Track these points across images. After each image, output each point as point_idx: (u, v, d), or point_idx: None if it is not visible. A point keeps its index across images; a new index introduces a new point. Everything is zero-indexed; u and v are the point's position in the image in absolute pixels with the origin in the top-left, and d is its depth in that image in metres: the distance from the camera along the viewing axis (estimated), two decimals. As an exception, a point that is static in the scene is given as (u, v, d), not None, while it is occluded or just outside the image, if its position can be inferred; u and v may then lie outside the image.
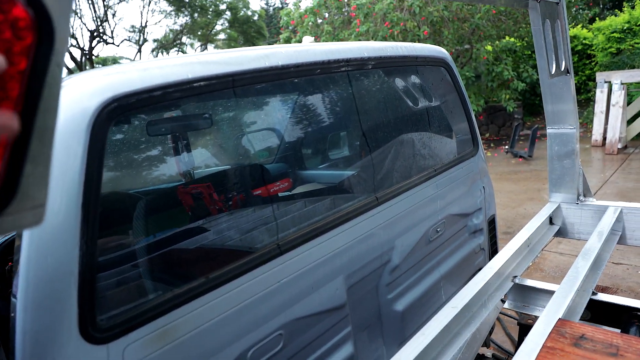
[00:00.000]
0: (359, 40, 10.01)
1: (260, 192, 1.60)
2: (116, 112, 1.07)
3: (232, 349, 1.24)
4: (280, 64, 1.43)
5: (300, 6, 10.90)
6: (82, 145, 0.99)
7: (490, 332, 2.57)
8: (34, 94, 0.47)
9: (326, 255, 1.53)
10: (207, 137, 1.67)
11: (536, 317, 1.81)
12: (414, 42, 7.24)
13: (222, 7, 19.52)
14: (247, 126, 1.80)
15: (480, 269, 1.78)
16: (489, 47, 10.01)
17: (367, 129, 1.91)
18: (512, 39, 11.49)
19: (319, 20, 10.78)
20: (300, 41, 10.95)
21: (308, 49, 1.61)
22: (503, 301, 1.88)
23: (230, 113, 1.62)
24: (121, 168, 1.30)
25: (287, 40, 11.10)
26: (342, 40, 10.49)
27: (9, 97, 0.45)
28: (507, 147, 9.32)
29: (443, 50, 2.39)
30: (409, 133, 2.13)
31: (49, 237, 0.93)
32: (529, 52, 11.77)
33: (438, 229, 2.11)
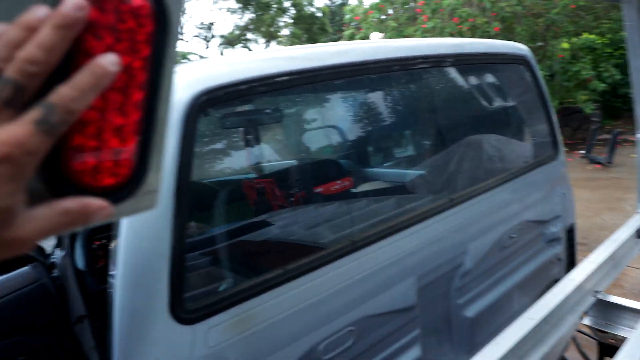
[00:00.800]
0: (425, 36, 9.78)
1: (340, 187, 1.61)
2: (206, 104, 1.12)
3: (304, 340, 1.25)
4: (359, 60, 1.42)
5: (364, 2, 10.82)
6: (176, 135, 1.05)
7: (564, 349, 2.42)
8: (156, 81, 0.49)
9: (398, 255, 1.51)
10: (291, 130, 1.70)
11: (622, 338, 1.68)
12: (484, 38, 6.96)
13: (287, 4, 19.85)
14: (328, 120, 1.81)
15: (556, 281, 1.68)
16: (565, 45, 9.40)
17: (443, 128, 1.86)
18: (592, 36, 10.71)
19: (383, 17, 10.64)
20: (365, 38, 10.89)
21: (386, 45, 1.59)
22: (583, 317, 1.76)
23: (313, 107, 1.63)
24: (207, 158, 1.35)
25: (351, 37, 11.06)
26: (407, 36, 10.31)
27: (138, 84, 0.47)
28: (582, 151, 8.71)
29: (524, 47, 2.27)
30: (485, 134, 2.05)
31: (146, 222, 0.99)
32: (611, 50, 10.91)
33: (512, 235, 2.01)
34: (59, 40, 0.35)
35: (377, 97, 1.91)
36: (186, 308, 1.03)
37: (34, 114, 0.34)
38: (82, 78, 0.36)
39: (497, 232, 1.92)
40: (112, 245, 1.83)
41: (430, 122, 1.88)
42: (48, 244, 2.45)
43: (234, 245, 1.28)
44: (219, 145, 1.48)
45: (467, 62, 1.97)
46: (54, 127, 0.35)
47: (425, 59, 1.67)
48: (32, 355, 1.58)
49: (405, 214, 1.57)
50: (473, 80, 2.14)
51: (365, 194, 1.79)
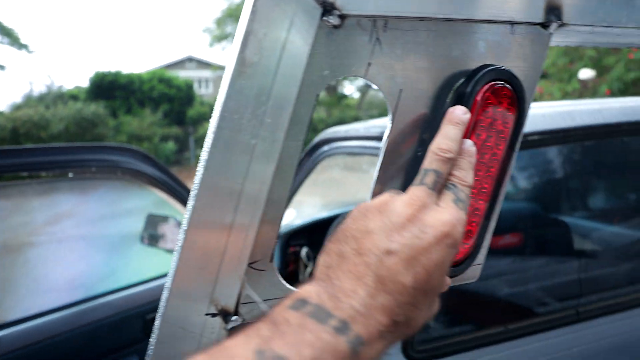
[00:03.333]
0: (628, 68, 8.48)
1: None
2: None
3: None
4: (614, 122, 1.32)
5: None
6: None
7: None
8: (503, 172, 0.54)
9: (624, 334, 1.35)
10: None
11: None
12: None
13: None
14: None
15: None
16: None
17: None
18: None
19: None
20: (551, 67, 9.95)
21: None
22: None
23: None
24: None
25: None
26: (605, 67, 9.08)
27: (492, 175, 0.53)
28: None
29: None
30: None
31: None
32: None
33: None
34: (460, 133, 0.43)
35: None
36: (415, 348, 1.10)
37: (448, 195, 0.41)
38: (461, 160, 0.43)
39: None
40: (303, 252, 2.04)
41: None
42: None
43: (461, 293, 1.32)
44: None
45: None
46: (464, 203, 0.42)
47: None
48: None
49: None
50: None
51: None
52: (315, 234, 2.13)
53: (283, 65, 0.42)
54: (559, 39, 0.55)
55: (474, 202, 0.51)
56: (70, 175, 1.80)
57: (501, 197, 0.54)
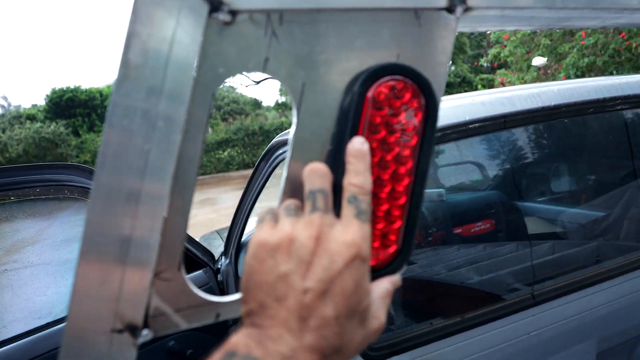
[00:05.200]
0: (582, 54, 8.82)
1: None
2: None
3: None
4: (553, 104, 1.35)
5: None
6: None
7: None
8: (419, 167, 0.52)
9: (582, 313, 1.38)
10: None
11: None
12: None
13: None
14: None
15: None
16: None
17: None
18: None
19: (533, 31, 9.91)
20: (511, 56, 10.27)
21: (581, 86, 1.48)
22: None
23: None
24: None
25: (496, 56, 10.51)
26: (561, 54, 9.42)
27: (407, 170, 0.51)
28: None
29: None
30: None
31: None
32: None
33: None
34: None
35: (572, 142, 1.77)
36: (371, 346, 1.08)
37: (349, 210, 0.40)
38: (355, 164, 0.41)
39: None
40: None
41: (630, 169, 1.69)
42: (215, 251, 2.72)
43: (416, 286, 1.31)
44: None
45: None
46: (367, 214, 0.40)
47: (625, 99, 1.51)
48: (198, 349, 1.81)
49: (597, 268, 1.43)
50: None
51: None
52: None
53: (172, 66, 0.41)
54: (468, 24, 0.54)
55: (388, 206, 0.48)
56: (12, 198, 1.72)
57: (422, 194, 0.52)
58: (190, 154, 0.45)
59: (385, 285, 0.43)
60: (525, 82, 9.96)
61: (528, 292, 1.30)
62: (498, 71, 12.58)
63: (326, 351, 0.35)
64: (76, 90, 16.68)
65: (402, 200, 0.49)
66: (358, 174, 0.41)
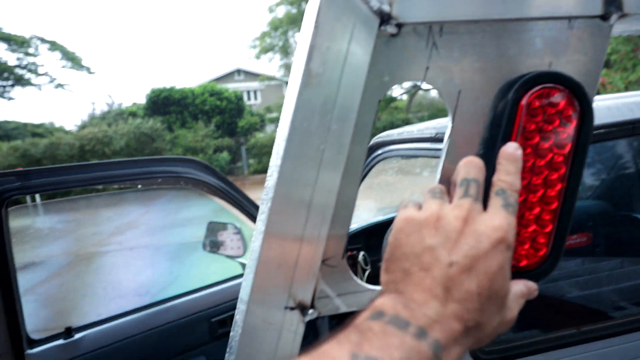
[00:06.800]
0: None
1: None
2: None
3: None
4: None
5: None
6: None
7: None
8: (573, 174, 0.51)
9: None
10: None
11: None
12: None
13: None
14: None
15: None
16: None
17: None
18: None
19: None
20: (611, 54, 9.35)
21: None
22: None
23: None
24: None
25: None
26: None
27: (561, 176, 0.50)
28: None
29: None
30: None
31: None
32: None
33: None
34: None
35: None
36: (484, 349, 1.08)
37: (496, 201, 0.42)
38: (507, 166, 0.43)
39: None
40: (361, 256, 2.04)
41: None
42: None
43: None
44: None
45: None
46: (513, 207, 0.42)
47: None
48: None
49: None
50: None
51: None
52: (372, 237, 2.13)
53: (346, 75, 0.45)
54: (621, 28, 0.54)
55: (539, 210, 0.49)
56: (139, 186, 1.93)
57: (574, 200, 0.52)
58: (357, 155, 0.49)
59: (521, 287, 0.44)
60: (630, 83, 9.02)
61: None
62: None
63: (469, 323, 0.37)
64: (171, 89, 18.13)
65: (554, 205, 0.49)
66: (508, 174, 0.43)
